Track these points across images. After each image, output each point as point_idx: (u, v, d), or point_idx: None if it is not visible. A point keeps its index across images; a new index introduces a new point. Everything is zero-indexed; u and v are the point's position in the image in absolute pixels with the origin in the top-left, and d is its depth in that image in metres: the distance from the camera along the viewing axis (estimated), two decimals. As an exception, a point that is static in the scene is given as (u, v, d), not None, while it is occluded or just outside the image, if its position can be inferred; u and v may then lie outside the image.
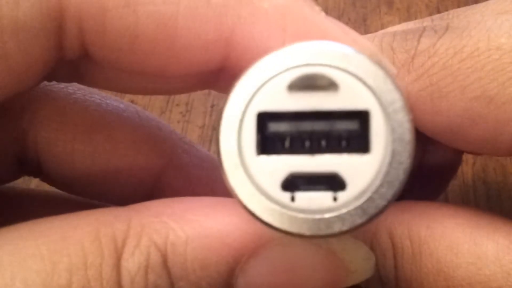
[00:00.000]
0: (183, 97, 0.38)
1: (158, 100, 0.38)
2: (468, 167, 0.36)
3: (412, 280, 0.20)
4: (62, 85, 0.23)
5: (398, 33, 0.20)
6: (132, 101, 0.37)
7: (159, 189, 0.24)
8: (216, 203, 0.18)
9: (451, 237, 0.20)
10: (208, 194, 0.19)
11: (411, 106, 0.18)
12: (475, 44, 0.19)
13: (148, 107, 0.38)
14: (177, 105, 0.38)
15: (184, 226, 0.17)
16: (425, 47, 0.19)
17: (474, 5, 0.22)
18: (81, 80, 0.21)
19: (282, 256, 0.17)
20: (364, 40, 0.19)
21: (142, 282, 0.16)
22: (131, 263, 0.16)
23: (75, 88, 0.23)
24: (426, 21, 0.22)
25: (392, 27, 0.23)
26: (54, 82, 0.22)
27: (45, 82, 0.22)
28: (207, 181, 0.24)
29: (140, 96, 0.38)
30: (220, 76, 0.20)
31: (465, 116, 0.19)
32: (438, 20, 0.22)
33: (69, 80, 0.21)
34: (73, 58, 0.19)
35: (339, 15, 0.41)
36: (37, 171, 0.23)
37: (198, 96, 0.38)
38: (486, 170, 0.35)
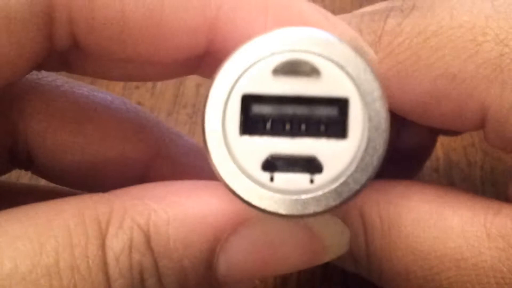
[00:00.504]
0: (190, 99, 0.38)
1: (165, 102, 0.38)
2: (476, 169, 0.36)
3: (382, 256, 0.21)
4: (50, 78, 0.23)
5: (366, 14, 0.21)
6: (139, 103, 0.38)
7: (148, 179, 0.24)
8: (197, 185, 0.18)
9: (418, 213, 0.20)
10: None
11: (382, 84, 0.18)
12: (439, 22, 0.19)
13: (155, 109, 0.38)
14: (184, 106, 0.38)
15: (166, 207, 0.17)
16: (391, 27, 0.20)
17: None
18: (70, 69, 0.21)
19: (260, 233, 0.18)
20: (345, 25, 0.19)
21: (126, 260, 0.17)
22: (115, 243, 0.17)
23: (63, 81, 0.23)
24: (396, 1, 0.23)
25: (362, 8, 0.23)
26: (42, 75, 0.23)
27: (34, 76, 0.23)
28: (195, 170, 0.24)
29: (147, 97, 0.38)
30: (204, 61, 0.20)
31: (430, 94, 0.20)
32: None
33: (58, 69, 0.21)
34: (62, 48, 0.19)
35: (346, 16, 0.42)
36: (28, 163, 0.23)
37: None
38: (495, 172, 0.35)
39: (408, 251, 0.20)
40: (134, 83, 0.39)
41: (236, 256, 0.18)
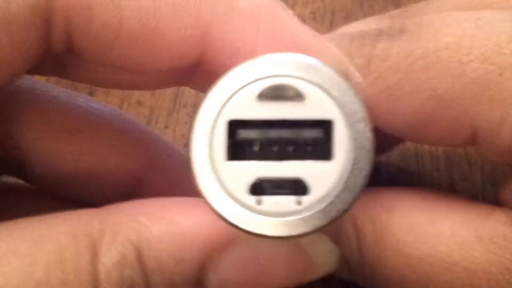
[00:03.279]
0: (190, 98, 0.39)
1: (165, 101, 0.38)
2: (477, 169, 0.36)
3: (376, 263, 0.21)
4: (46, 88, 0.23)
5: (355, 37, 0.21)
6: (139, 102, 0.38)
7: (142, 191, 0.24)
8: (188, 202, 0.19)
9: (410, 218, 0.21)
10: (188, 196, 0.20)
11: (370, 109, 0.19)
12: (425, 45, 0.20)
13: (155, 108, 0.38)
14: (184, 106, 0.38)
15: (158, 223, 0.18)
16: (380, 52, 0.20)
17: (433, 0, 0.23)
18: (63, 74, 0.21)
19: (250, 252, 0.18)
20: (332, 47, 0.20)
21: (118, 276, 0.17)
22: (108, 258, 0.17)
23: (58, 91, 0.23)
24: (384, 20, 0.23)
25: (349, 26, 0.23)
26: (38, 85, 0.23)
27: (29, 85, 0.23)
28: (188, 184, 0.25)
29: (147, 97, 0.38)
30: (195, 73, 0.20)
31: (419, 116, 0.20)
32: (397, 17, 0.23)
33: (51, 73, 0.22)
34: (58, 52, 0.19)
35: (346, 15, 0.42)
36: (21, 172, 0.23)
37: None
38: (495, 172, 0.35)
39: (401, 257, 0.21)
40: None
41: (226, 274, 0.18)
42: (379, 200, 0.21)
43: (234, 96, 0.16)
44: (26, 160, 0.22)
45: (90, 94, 0.37)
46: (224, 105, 0.16)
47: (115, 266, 0.17)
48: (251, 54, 0.18)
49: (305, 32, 0.19)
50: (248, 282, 0.19)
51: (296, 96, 0.16)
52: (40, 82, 0.23)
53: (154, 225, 0.18)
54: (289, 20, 0.19)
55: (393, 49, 0.20)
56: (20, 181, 0.24)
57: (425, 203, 0.21)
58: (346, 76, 0.19)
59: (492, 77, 0.19)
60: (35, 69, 0.20)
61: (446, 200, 0.21)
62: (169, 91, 0.39)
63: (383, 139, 0.28)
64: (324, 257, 0.20)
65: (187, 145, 0.16)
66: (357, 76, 0.20)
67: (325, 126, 0.16)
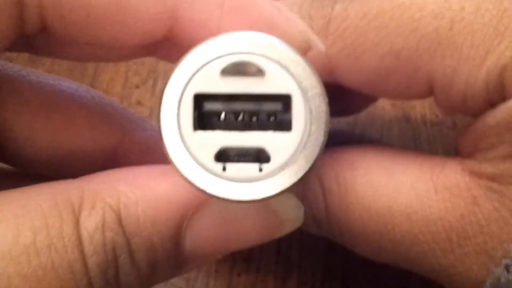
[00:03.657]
0: None
1: None
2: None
3: (341, 217, 0.23)
4: (16, 68, 0.24)
5: None
6: (139, 102, 0.39)
7: (117, 163, 0.25)
8: (162, 169, 0.20)
9: (371, 174, 0.22)
10: (163, 163, 0.21)
11: (332, 68, 0.20)
12: (380, 5, 0.21)
13: (155, 108, 0.38)
14: None
15: (134, 189, 0.19)
16: (338, 13, 0.21)
17: None
18: (34, 50, 0.22)
19: (221, 211, 0.20)
20: (296, 18, 0.21)
21: (100, 238, 0.18)
22: (89, 222, 0.18)
23: (28, 71, 0.24)
24: None
25: None
26: (8, 66, 0.24)
27: (1, 67, 0.23)
28: (161, 154, 0.26)
29: (147, 97, 0.39)
30: (164, 45, 0.22)
31: (379, 71, 0.21)
32: None
33: (22, 50, 0.22)
34: (31, 32, 0.20)
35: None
36: None
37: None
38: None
39: (364, 211, 0.22)
40: (134, 83, 0.40)
41: (200, 232, 0.20)
42: (344, 159, 0.23)
43: (199, 72, 0.17)
44: (3, 140, 0.23)
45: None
46: (190, 80, 0.17)
47: (97, 229, 0.18)
48: (216, 28, 0.19)
49: (269, 7, 0.20)
50: (220, 239, 0.20)
51: (257, 72, 0.17)
52: (11, 64, 0.24)
53: (130, 191, 0.19)
54: None
55: (351, 9, 0.21)
56: (1, 165, 0.25)
57: (385, 159, 0.22)
58: (309, 45, 0.20)
59: (444, 31, 0.20)
60: (7, 48, 0.21)
61: (404, 155, 0.23)
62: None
63: (354, 99, 0.29)
64: (291, 214, 0.21)
65: (157, 117, 0.18)
66: (320, 45, 0.21)
67: (284, 100, 0.18)
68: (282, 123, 0.18)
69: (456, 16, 0.20)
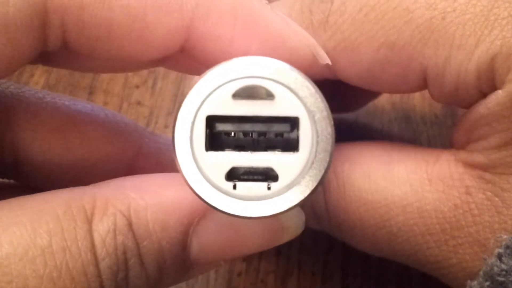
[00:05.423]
0: None
1: (165, 101, 0.39)
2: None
3: (340, 209, 0.23)
4: (33, 91, 0.25)
5: None
6: (139, 102, 0.39)
7: None
8: (170, 177, 0.21)
9: (368, 167, 0.23)
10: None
11: (331, 62, 0.20)
12: None
13: (155, 108, 0.39)
14: None
15: (143, 195, 0.20)
16: (337, 7, 0.22)
17: None
18: (56, 64, 0.23)
19: (226, 218, 0.20)
20: (304, 32, 0.21)
21: (112, 242, 0.19)
22: (101, 227, 0.19)
23: (44, 93, 0.25)
24: None
25: None
26: (25, 88, 0.24)
27: (18, 90, 0.24)
28: (173, 165, 0.27)
29: (147, 97, 0.39)
30: (178, 57, 0.22)
31: (375, 63, 0.22)
32: None
33: (45, 64, 0.23)
34: (54, 49, 0.21)
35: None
36: (14, 173, 0.25)
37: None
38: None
39: (361, 203, 0.23)
40: (134, 83, 0.40)
41: (206, 237, 0.21)
42: (343, 154, 0.24)
43: (212, 95, 0.18)
44: (21, 160, 0.24)
45: (90, 93, 0.38)
46: (203, 102, 0.18)
47: (109, 233, 0.19)
48: (229, 41, 0.20)
49: (278, 21, 0.21)
50: (225, 245, 0.21)
51: (267, 95, 0.18)
52: (28, 87, 0.25)
53: (140, 197, 0.20)
54: (263, 11, 0.21)
55: (349, 3, 0.22)
56: (6, 181, 0.25)
57: (382, 153, 0.23)
58: (315, 59, 0.21)
59: (436, 21, 0.21)
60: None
61: (401, 149, 0.23)
62: (169, 92, 0.40)
63: (354, 95, 0.30)
64: (293, 222, 0.22)
65: (171, 138, 0.19)
66: (325, 58, 0.21)
67: (293, 122, 0.18)
68: (290, 144, 0.19)
69: (448, 7, 0.21)
